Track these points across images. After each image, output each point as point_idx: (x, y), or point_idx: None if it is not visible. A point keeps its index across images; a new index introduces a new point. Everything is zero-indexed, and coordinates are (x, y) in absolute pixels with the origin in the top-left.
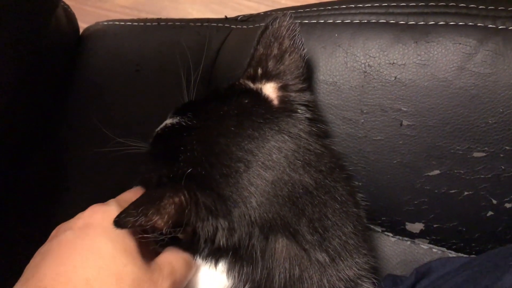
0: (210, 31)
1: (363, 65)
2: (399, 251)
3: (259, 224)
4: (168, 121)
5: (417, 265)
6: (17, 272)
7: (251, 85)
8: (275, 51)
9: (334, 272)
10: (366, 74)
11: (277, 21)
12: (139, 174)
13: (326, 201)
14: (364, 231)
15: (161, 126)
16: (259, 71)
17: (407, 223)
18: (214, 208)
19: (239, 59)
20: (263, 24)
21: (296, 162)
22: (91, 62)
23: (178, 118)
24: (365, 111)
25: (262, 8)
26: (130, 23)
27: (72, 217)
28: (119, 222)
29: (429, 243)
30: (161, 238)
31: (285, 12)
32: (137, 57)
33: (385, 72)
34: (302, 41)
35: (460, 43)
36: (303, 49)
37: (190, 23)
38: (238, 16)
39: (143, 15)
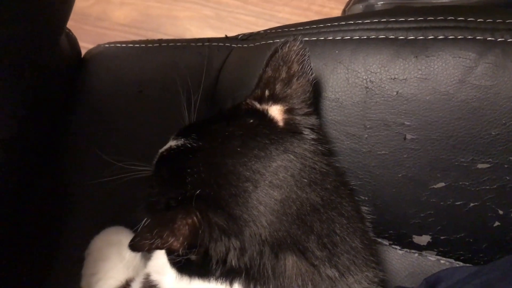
0: (211, 50)
1: (364, 81)
2: (407, 263)
3: (269, 243)
4: (173, 143)
5: (425, 277)
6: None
7: (258, 105)
8: (283, 75)
9: (344, 287)
10: (368, 89)
11: (287, 45)
12: (144, 199)
13: (334, 217)
14: (371, 245)
15: (165, 147)
16: (267, 92)
17: (414, 236)
18: (227, 227)
19: (241, 78)
20: (270, 41)
21: (303, 181)
22: (93, 85)
23: (182, 140)
24: (368, 126)
25: (260, 22)
26: (132, 45)
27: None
28: (134, 246)
29: (437, 254)
30: (178, 259)
31: (295, 36)
32: (139, 78)
33: (386, 87)
34: (310, 66)
35: (460, 57)
36: (311, 74)
37: (191, 43)
38: (239, 35)
39: (142, 33)
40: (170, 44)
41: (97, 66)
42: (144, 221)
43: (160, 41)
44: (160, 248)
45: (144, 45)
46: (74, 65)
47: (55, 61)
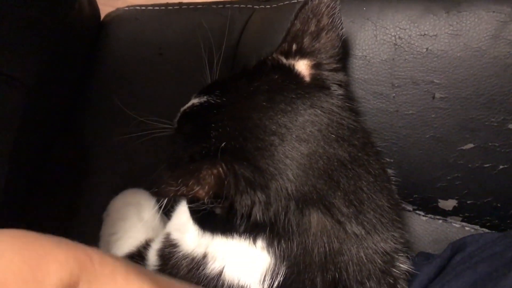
0: (233, 12)
1: (393, 38)
2: (430, 230)
3: (295, 198)
4: (195, 101)
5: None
6: None
7: (284, 60)
8: (312, 28)
9: (371, 245)
10: (396, 46)
11: None
12: (168, 156)
13: (361, 174)
14: (397, 206)
15: (188, 105)
16: (294, 47)
17: (439, 200)
18: (253, 180)
19: (264, 38)
20: (294, 1)
21: (330, 136)
22: (113, 47)
23: (205, 97)
24: (396, 85)
25: None
26: (151, 8)
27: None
28: (160, 192)
29: (462, 221)
30: (203, 208)
31: None
32: (159, 41)
33: (416, 44)
34: (341, 20)
35: (494, 11)
36: (341, 29)
37: (212, 5)
38: None
39: None
40: (190, 7)
41: (116, 29)
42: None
43: (180, 4)
44: (185, 196)
45: (164, 8)
46: (93, 25)
47: (73, 15)
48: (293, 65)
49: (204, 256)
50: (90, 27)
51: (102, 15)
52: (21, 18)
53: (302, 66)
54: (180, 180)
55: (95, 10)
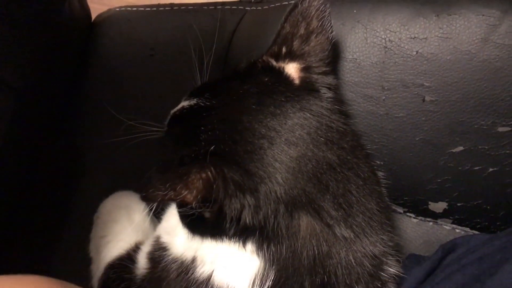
0: (224, 13)
1: (383, 41)
2: (421, 232)
3: (284, 201)
4: (185, 103)
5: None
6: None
7: (274, 63)
8: (302, 31)
9: (360, 248)
10: (386, 49)
11: (307, 0)
12: (158, 158)
13: (350, 177)
14: (387, 209)
15: (177, 107)
16: (284, 49)
17: (430, 202)
18: (242, 183)
19: (255, 40)
20: (285, 3)
21: (319, 139)
22: (105, 48)
23: (195, 99)
24: (386, 88)
25: None
26: (143, 9)
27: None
28: (147, 197)
29: (452, 223)
30: (191, 212)
31: None
32: (151, 41)
33: (406, 47)
34: (331, 23)
35: (483, 14)
36: (331, 32)
37: (204, 7)
38: None
39: None
40: (182, 8)
41: (108, 30)
42: None
43: (172, 5)
44: (173, 200)
45: (155, 9)
46: (84, 26)
47: (64, 16)
48: (283, 68)
49: (193, 260)
50: (81, 28)
51: (94, 16)
52: (8, 19)
53: (292, 69)
54: (168, 184)
55: (86, 10)
